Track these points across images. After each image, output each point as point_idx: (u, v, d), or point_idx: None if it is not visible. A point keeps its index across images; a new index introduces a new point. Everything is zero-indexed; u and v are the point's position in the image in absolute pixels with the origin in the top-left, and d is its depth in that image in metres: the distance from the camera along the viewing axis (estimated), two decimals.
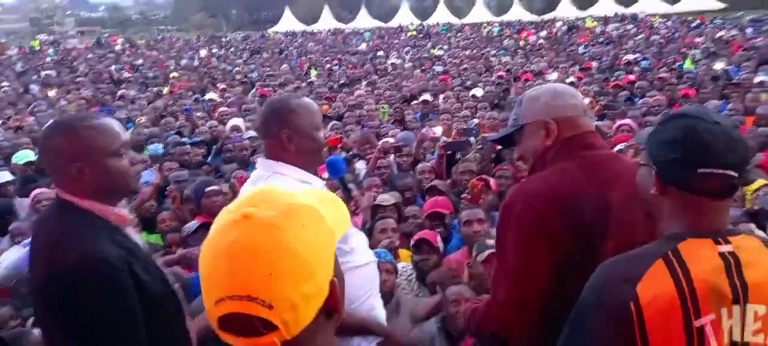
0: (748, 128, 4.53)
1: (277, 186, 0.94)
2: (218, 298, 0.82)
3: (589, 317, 1.29)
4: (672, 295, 1.21)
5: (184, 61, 20.23)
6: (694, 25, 25.28)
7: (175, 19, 71.53)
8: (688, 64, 11.43)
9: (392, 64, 16.03)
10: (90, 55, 24.08)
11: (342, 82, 12.51)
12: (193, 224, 3.68)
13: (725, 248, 1.24)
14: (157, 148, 6.20)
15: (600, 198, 1.59)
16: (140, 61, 20.50)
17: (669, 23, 26.70)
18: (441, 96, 9.51)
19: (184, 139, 6.56)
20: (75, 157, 1.57)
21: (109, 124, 1.66)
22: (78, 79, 14.71)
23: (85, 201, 1.58)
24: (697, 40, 17.65)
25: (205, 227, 3.56)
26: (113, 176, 1.62)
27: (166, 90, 12.47)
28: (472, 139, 5.29)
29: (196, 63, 19.73)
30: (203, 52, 23.99)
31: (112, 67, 18.13)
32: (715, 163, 1.24)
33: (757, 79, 8.79)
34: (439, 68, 14.17)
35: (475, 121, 6.83)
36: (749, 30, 19.54)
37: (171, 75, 15.28)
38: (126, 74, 15.86)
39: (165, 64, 19.17)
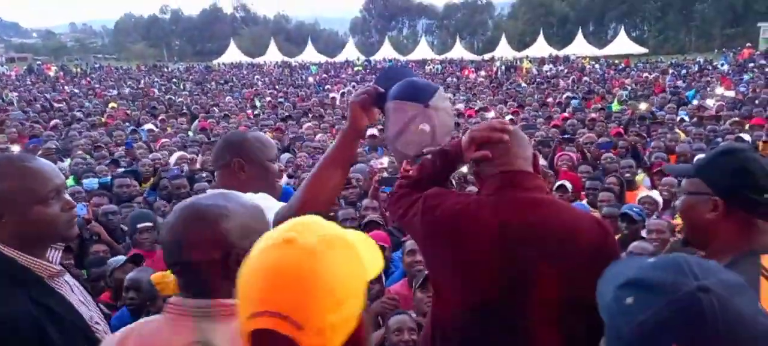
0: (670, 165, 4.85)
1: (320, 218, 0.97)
2: (253, 312, 0.86)
3: None
4: None
5: (125, 90, 19.62)
6: (620, 67, 27.02)
7: (114, 48, 69.59)
8: (615, 106, 12.18)
9: (342, 93, 16.18)
10: (20, 83, 22.97)
11: (286, 114, 12.45)
12: (119, 258, 3.54)
13: None
14: (92, 183, 5.95)
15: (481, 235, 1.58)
16: (76, 90, 19.73)
17: (597, 66, 28.33)
18: None
19: (118, 170, 6.35)
20: None
21: (37, 168, 1.51)
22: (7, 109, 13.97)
23: (6, 249, 1.47)
24: (626, 81, 18.87)
25: (133, 261, 3.45)
26: (39, 226, 1.49)
27: (103, 120, 12.06)
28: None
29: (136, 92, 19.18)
30: (143, 82, 23.38)
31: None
32: None
33: (678, 118, 9.52)
34: None
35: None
36: (670, 73, 21.14)
37: (109, 105, 14.78)
38: (57, 104, 15.13)
39: (103, 94, 18.52)
